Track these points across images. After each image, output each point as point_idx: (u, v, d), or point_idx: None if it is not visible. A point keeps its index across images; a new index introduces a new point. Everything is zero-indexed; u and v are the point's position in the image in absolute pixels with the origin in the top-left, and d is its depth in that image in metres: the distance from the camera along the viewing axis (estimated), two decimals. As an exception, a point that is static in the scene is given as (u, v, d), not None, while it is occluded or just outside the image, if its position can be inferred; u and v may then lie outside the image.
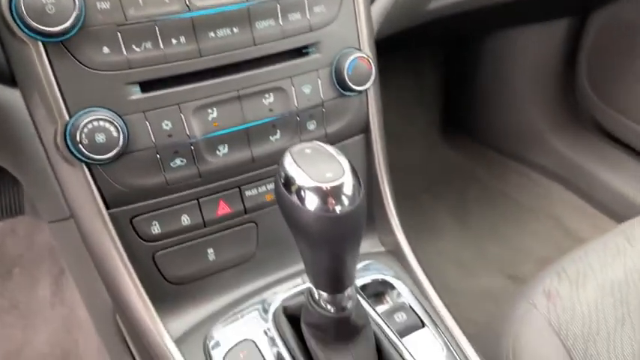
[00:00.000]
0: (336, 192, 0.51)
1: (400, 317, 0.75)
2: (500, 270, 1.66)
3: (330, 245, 0.55)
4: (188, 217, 0.75)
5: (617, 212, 1.72)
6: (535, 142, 1.93)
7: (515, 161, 2.00)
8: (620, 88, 1.68)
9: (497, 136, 2.05)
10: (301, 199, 0.52)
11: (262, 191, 0.79)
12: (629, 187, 1.72)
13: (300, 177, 0.52)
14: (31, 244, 1.58)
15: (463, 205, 1.91)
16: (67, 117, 0.65)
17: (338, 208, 0.51)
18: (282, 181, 0.54)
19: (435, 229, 1.81)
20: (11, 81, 0.66)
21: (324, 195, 0.51)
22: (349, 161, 0.55)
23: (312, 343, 0.66)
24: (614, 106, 1.71)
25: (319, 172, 0.52)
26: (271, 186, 0.79)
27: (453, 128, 2.17)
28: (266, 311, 0.75)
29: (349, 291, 0.61)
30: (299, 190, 0.52)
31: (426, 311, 0.76)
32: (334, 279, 0.60)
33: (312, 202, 0.51)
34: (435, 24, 1.22)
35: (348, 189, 0.52)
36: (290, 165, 0.53)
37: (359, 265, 0.83)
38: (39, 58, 0.64)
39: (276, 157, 0.57)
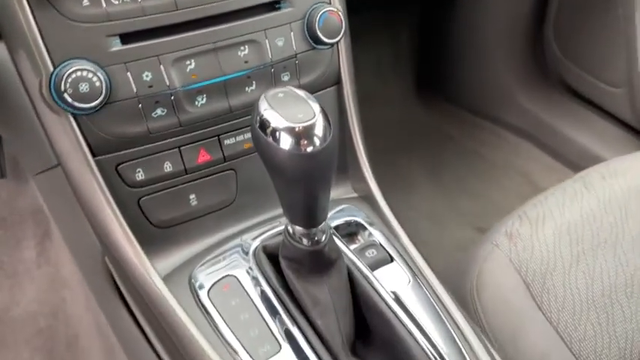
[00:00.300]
0: (308, 132, 0.56)
1: (371, 253, 0.80)
2: (470, 223, 1.72)
3: (303, 181, 0.60)
4: (170, 165, 0.78)
5: (582, 167, 1.77)
6: (505, 102, 1.97)
7: (487, 120, 2.04)
8: (586, 47, 1.72)
9: (469, 97, 2.09)
10: (276, 139, 0.56)
11: (240, 140, 0.82)
12: (594, 144, 1.78)
13: (275, 118, 0.56)
14: (14, 208, 1.58)
15: (437, 162, 1.96)
16: (51, 68, 0.68)
17: (309, 147, 0.56)
18: (258, 123, 0.58)
19: (408, 185, 1.86)
20: None
21: (296, 135, 0.56)
22: (320, 104, 0.59)
23: (289, 275, 0.71)
24: (580, 64, 1.76)
25: (292, 113, 0.56)
26: (248, 135, 0.82)
27: (428, 90, 2.21)
28: (246, 252, 0.79)
29: (322, 226, 0.66)
30: (273, 130, 0.56)
31: (394, 248, 0.82)
32: (308, 214, 0.64)
33: (285, 142, 0.56)
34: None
35: (318, 129, 0.56)
36: (265, 108, 0.58)
37: (334, 209, 0.88)
38: (22, 10, 0.66)
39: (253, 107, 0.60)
